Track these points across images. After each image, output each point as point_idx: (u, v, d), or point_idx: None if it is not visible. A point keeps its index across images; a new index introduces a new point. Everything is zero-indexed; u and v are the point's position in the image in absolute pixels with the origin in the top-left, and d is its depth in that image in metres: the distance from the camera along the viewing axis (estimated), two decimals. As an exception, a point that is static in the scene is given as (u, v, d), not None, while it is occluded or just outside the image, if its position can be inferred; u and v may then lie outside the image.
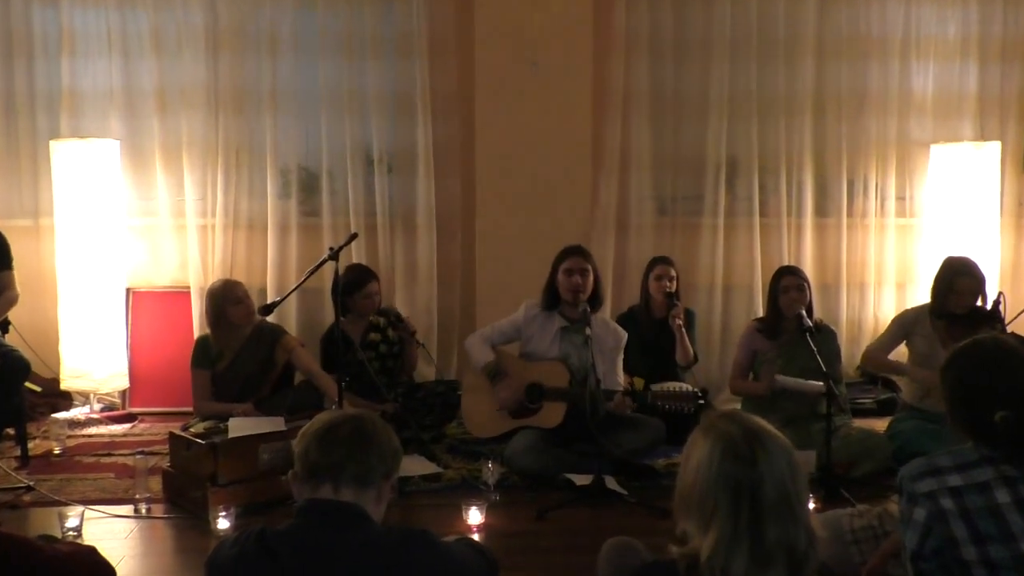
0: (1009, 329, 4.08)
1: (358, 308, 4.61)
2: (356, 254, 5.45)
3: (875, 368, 4.59)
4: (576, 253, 4.30)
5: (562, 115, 5.43)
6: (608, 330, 4.35)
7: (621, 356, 4.38)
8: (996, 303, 3.94)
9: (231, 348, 4.48)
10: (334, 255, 3.97)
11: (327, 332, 4.68)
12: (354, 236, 4.23)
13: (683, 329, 4.63)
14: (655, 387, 4.09)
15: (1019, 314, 4.58)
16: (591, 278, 4.27)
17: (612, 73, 5.52)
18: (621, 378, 4.36)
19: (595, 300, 4.29)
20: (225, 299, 4.45)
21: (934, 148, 5.68)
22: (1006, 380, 1.99)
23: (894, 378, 5.22)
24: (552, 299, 4.34)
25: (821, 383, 3.87)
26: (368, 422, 1.86)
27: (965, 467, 1.97)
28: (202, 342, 4.56)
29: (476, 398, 4.40)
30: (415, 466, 4.04)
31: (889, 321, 4.53)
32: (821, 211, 5.78)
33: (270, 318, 4.56)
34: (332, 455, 1.80)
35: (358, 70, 5.51)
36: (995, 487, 1.94)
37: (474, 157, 5.51)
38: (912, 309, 4.42)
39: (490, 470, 3.91)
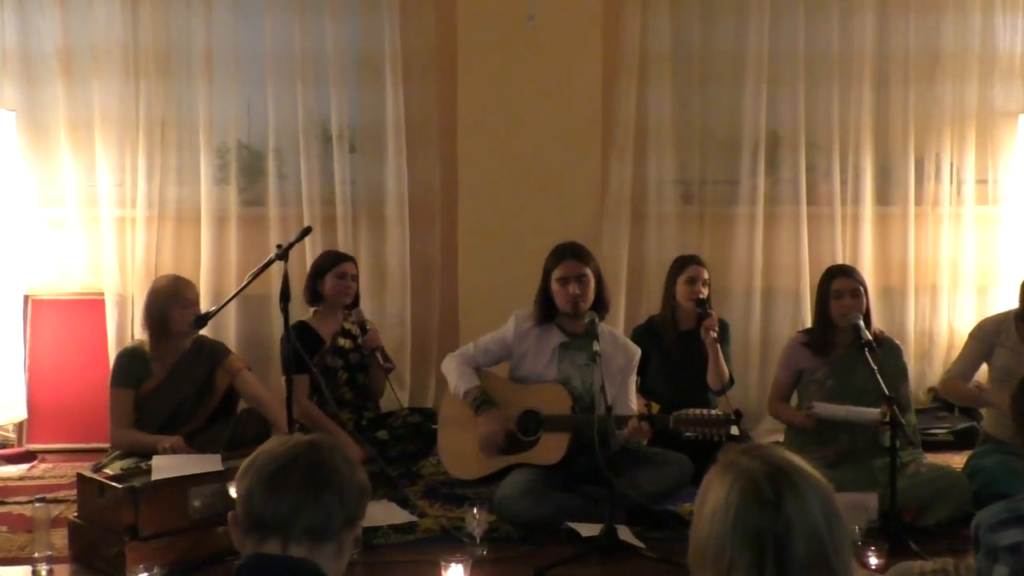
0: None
1: (330, 295, 4.63)
2: (311, 252, 5.44)
3: (958, 400, 4.56)
4: (570, 255, 4.28)
5: (565, 81, 5.45)
6: (617, 346, 4.35)
7: (633, 378, 4.39)
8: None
9: (163, 364, 4.47)
10: (283, 254, 3.96)
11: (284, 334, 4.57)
12: (308, 231, 4.23)
13: (718, 344, 4.65)
14: (678, 412, 4.09)
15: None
16: (591, 285, 4.27)
17: (626, 28, 5.53)
18: (634, 404, 4.36)
19: (599, 306, 4.30)
20: (173, 299, 4.43)
21: (1023, 119, 5.72)
22: None
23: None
24: (547, 310, 4.34)
25: (876, 410, 3.87)
26: (327, 456, 1.85)
27: None
28: (126, 355, 4.55)
29: (456, 433, 4.39)
30: (384, 514, 4.04)
31: (966, 336, 4.54)
32: (883, 198, 5.81)
33: (205, 331, 4.54)
34: (281, 504, 1.79)
35: (313, 26, 5.52)
36: None
37: (456, 133, 5.52)
38: (992, 317, 4.45)
39: (476, 518, 3.90)
